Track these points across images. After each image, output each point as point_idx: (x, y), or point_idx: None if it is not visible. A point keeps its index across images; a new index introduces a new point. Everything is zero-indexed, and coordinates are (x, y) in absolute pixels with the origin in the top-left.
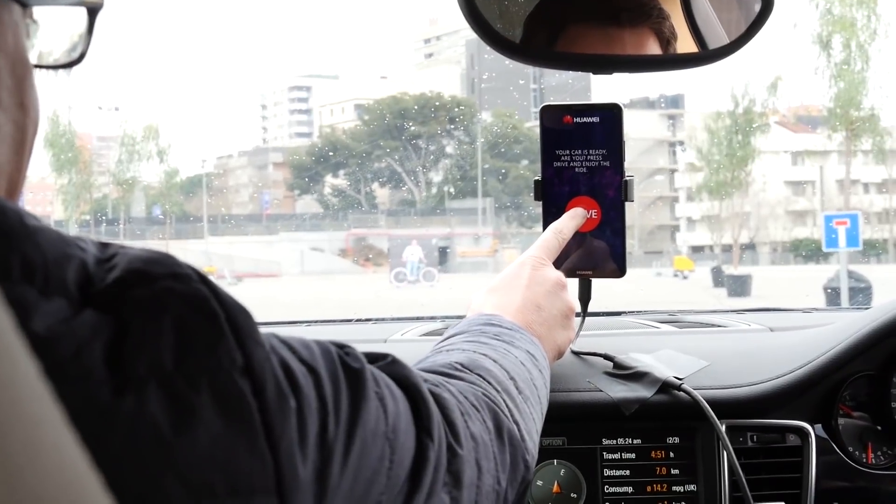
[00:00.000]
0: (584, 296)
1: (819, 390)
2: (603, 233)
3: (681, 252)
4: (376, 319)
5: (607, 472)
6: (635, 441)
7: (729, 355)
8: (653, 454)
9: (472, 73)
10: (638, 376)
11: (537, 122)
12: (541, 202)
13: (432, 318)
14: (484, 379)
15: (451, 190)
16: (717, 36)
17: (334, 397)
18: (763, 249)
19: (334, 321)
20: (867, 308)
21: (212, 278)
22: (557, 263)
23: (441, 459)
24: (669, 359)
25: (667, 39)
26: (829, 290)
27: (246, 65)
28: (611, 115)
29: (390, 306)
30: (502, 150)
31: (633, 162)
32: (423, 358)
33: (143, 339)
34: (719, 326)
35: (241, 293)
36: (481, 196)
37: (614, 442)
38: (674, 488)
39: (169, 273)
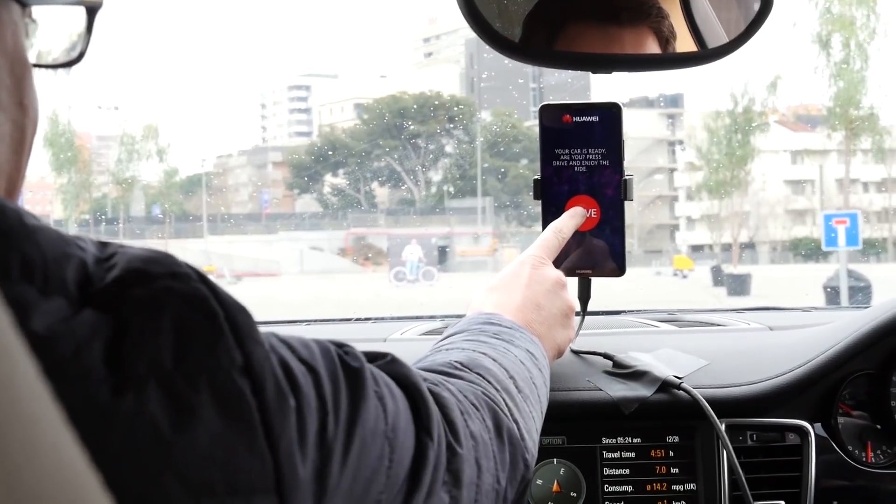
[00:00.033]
0: (584, 295)
1: (818, 389)
2: (602, 232)
3: (680, 251)
4: (376, 319)
5: (607, 471)
6: (635, 440)
7: (728, 354)
8: (652, 453)
9: (471, 73)
10: (637, 375)
11: (536, 122)
12: (540, 201)
13: (432, 317)
14: (483, 378)
15: (451, 189)
16: (717, 35)
17: (334, 396)
18: (762, 248)
19: (334, 320)
20: (866, 307)
21: (211, 277)
22: (557, 262)
23: (440, 458)
24: (669, 358)
25: (666, 38)
26: (829, 289)
27: (245, 64)
28: (610, 114)
29: (390, 305)
30: (501, 149)
31: (633, 161)
32: (423, 357)
33: (143, 338)
34: (719, 325)
35: (240, 292)
36: (481, 195)
37: (614, 441)
38: (673, 487)
39: (168, 272)
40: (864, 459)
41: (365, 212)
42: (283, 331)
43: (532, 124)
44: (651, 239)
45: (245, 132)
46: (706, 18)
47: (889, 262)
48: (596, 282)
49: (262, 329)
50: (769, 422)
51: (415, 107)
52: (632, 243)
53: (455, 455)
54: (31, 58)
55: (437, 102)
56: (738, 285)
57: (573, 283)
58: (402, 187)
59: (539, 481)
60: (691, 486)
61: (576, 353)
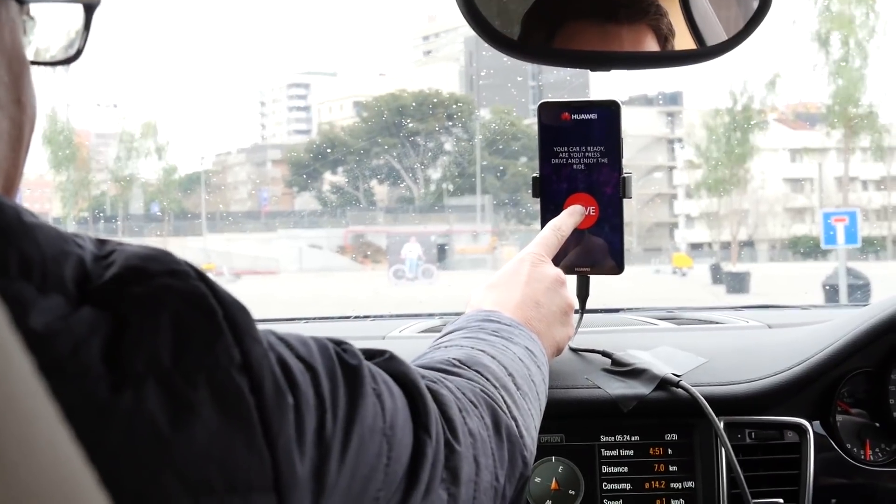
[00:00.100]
0: (583, 293)
1: (817, 387)
2: (601, 229)
3: (679, 249)
4: (375, 316)
5: (605, 469)
6: (633, 438)
7: (727, 352)
8: (651, 451)
9: (470, 70)
10: (636, 373)
11: (535, 120)
12: (539, 199)
13: (430, 314)
14: (482, 375)
15: (450, 187)
16: (715, 33)
17: (332, 394)
18: (762, 246)
19: (333, 318)
20: (865, 305)
21: (210, 275)
22: (556, 260)
23: (439, 456)
24: (668, 356)
25: (665, 36)
26: (828, 287)
27: (244, 62)
28: (609, 111)
29: (389, 303)
30: (500, 147)
31: (632, 159)
32: (422, 354)
33: (141, 335)
34: (717, 323)
35: (239, 290)
36: (480, 193)
37: (612, 439)
38: (672, 485)
39: (167, 270)
40: (862, 457)
41: (364, 210)
42: (282, 329)
43: (531, 122)
44: (650, 237)
45: (244, 130)
46: (705, 16)
47: (888, 260)
48: (595, 279)
49: (261, 327)
50: (768, 420)
51: (414, 105)
52: (631, 241)
53: (453, 452)
54: (29, 55)
55: (436, 100)
56: (737, 283)
57: (572, 280)
58: (401, 185)
59: (537, 479)
60: (690, 484)
61: (574, 350)
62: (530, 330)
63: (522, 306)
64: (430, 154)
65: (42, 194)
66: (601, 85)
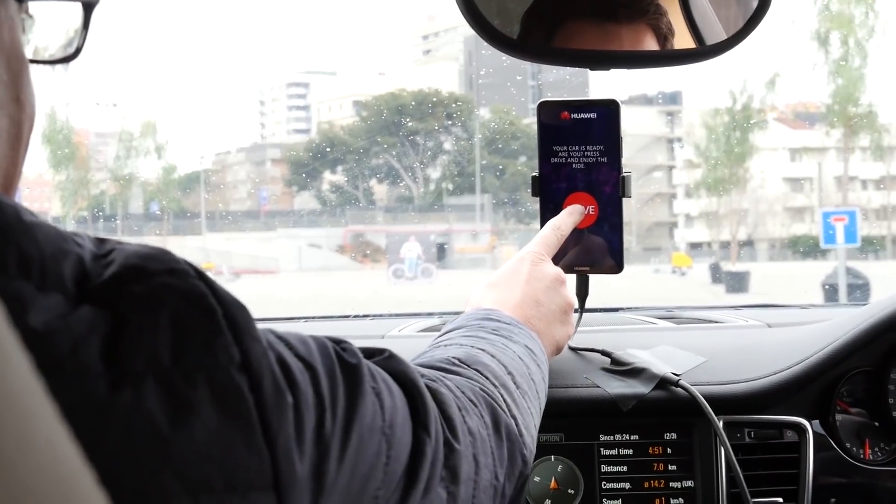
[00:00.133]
0: (582, 292)
1: (816, 386)
2: (600, 229)
3: (679, 249)
4: (374, 316)
5: (604, 468)
6: (633, 437)
7: (727, 351)
8: (650, 450)
9: (469, 70)
10: (635, 372)
11: (535, 119)
12: (538, 198)
13: (430, 314)
14: (481, 374)
15: (449, 186)
16: (715, 32)
17: (331, 393)
18: (761, 246)
19: (332, 317)
20: (865, 304)
21: (209, 274)
22: (555, 260)
23: (438, 454)
24: (667, 355)
25: (664, 35)
26: (827, 287)
27: (244, 61)
28: (608, 111)
29: (388, 303)
30: (500, 146)
31: (631, 158)
32: (421, 353)
33: (141, 334)
34: (717, 323)
35: (238, 289)
36: (479, 192)
37: (612, 438)
38: (671, 484)
39: (166, 269)
40: (861, 456)
41: (363, 209)
42: (282, 328)
43: (530, 121)
44: (649, 236)
45: (244, 129)
46: (704, 15)
47: (887, 260)
48: (594, 279)
49: (260, 326)
50: (767, 419)
51: (413, 104)
52: (630, 240)
53: (453, 451)
54: (28, 53)
55: (435, 99)
56: (737, 283)
57: (571, 279)
58: (401, 184)
59: (537, 478)
60: (689, 483)
61: (574, 350)
62: (530, 329)
63: (522, 305)
64: (429, 153)
65: (41, 193)
66: (601, 84)
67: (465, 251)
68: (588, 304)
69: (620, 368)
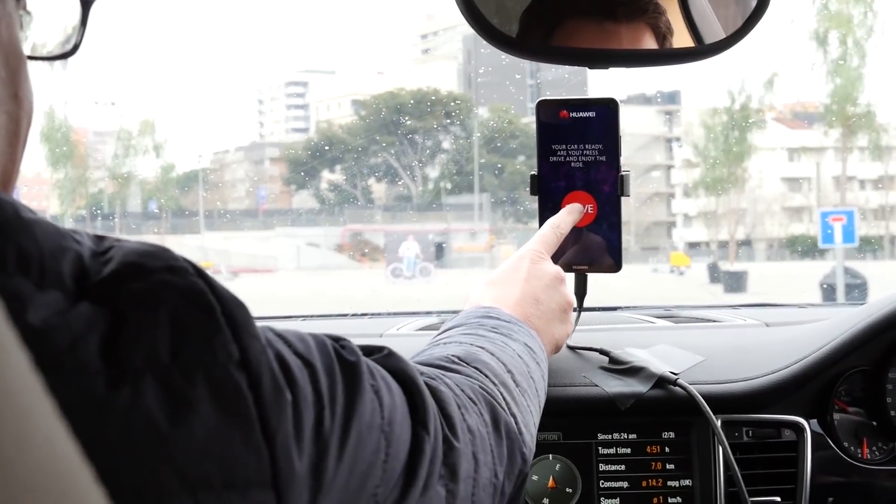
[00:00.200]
0: (581, 290)
1: (814, 385)
2: (599, 228)
3: (677, 248)
4: (372, 314)
5: (602, 467)
6: (631, 436)
7: (725, 350)
8: (648, 449)
9: (468, 69)
10: (633, 371)
11: (533, 118)
12: (537, 197)
13: (428, 312)
14: (481, 372)
15: (448, 185)
16: (714, 31)
17: (330, 390)
18: (759, 246)
19: (330, 316)
20: (863, 304)
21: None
22: (554, 258)
23: (437, 452)
24: (665, 354)
25: (663, 34)
26: (825, 286)
27: (243, 60)
28: (607, 109)
29: (386, 301)
30: (498, 145)
31: (630, 158)
32: (420, 351)
33: (139, 331)
34: (715, 322)
35: (237, 288)
36: (478, 191)
37: (610, 437)
38: (669, 483)
39: (165, 266)
40: (859, 456)
41: (362, 208)
42: (280, 326)
43: (529, 120)
44: (648, 235)
45: (242, 128)
46: (703, 14)
47: (885, 259)
48: (592, 278)
49: (259, 324)
50: (765, 418)
51: (412, 103)
52: (629, 240)
53: (452, 449)
54: (26, 50)
55: (434, 98)
56: (735, 282)
57: (570, 278)
58: (399, 183)
59: (535, 477)
60: (687, 482)
61: (572, 348)
62: (529, 327)
63: (522, 303)
64: (428, 152)
65: (39, 192)
66: (599, 83)
67: (464, 250)
68: (586, 303)
69: (618, 367)
